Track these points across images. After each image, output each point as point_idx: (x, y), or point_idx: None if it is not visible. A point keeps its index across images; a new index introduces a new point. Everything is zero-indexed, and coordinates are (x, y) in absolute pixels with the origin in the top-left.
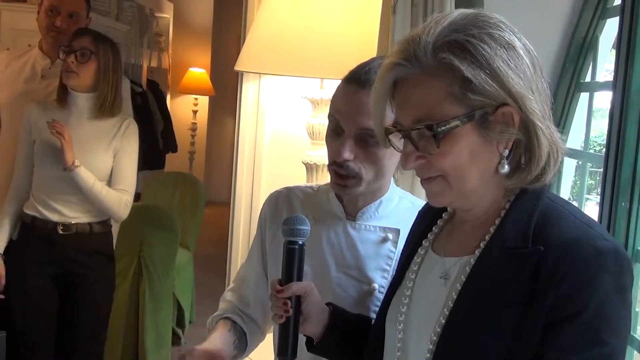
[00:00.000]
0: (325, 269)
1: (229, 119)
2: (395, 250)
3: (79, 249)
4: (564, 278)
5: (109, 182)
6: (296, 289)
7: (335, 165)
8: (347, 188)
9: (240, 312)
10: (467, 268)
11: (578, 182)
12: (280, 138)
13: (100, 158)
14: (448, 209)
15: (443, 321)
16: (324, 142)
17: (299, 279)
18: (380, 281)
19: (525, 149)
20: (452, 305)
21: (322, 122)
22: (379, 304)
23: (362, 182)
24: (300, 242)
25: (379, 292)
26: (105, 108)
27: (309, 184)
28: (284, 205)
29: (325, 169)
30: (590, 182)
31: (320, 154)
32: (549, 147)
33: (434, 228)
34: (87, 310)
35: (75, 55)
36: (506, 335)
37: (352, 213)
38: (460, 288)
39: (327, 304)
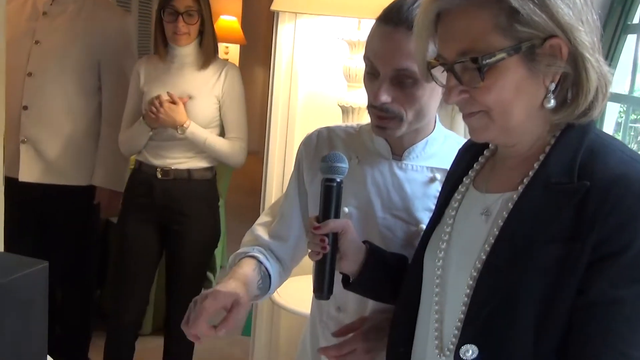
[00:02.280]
0: (370, 210)
1: (260, 68)
2: None
3: (177, 195)
4: (611, 214)
5: (221, 132)
6: (333, 226)
7: (375, 108)
8: (388, 130)
9: (268, 249)
10: (510, 204)
11: (621, 128)
12: (316, 82)
13: (206, 106)
14: (490, 145)
15: (484, 257)
16: (361, 85)
17: (337, 216)
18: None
19: (572, 82)
20: (493, 241)
21: (358, 65)
22: None
23: (403, 124)
24: (338, 180)
25: None
26: (208, 57)
27: (349, 124)
28: (325, 145)
29: (362, 111)
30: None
31: (357, 97)
32: (597, 81)
33: (475, 165)
34: (186, 255)
35: (183, 17)
36: (548, 271)
37: (398, 152)
38: (501, 224)
39: (364, 242)
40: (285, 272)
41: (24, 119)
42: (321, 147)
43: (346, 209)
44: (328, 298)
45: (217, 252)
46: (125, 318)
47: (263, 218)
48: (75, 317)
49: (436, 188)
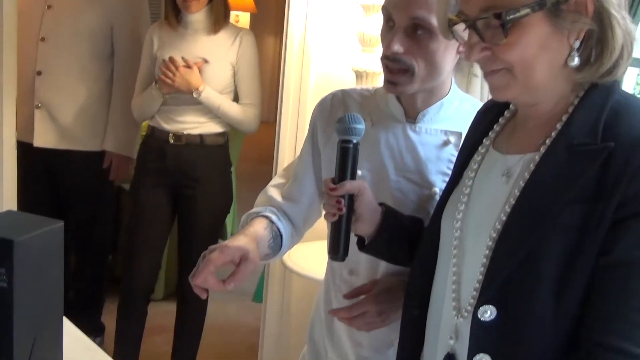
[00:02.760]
0: (384, 173)
1: (271, 37)
2: (456, 154)
3: (189, 161)
4: (635, 175)
5: (235, 99)
6: (349, 187)
7: (387, 60)
8: (400, 85)
9: (280, 210)
10: (531, 165)
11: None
12: (329, 48)
13: (220, 71)
14: (510, 106)
15: (504, 219)
16: (375, 48)
17: (353, 177)
18: (441, 185)
19: (597, 40)
20: (513, 202)
21: (373, 29)
22: None
23: (415, 79)
24: (355, 141)
25: (439, 195)
26: (219, 22)
27: (364, 86)
28: (340, 108)
29: (376, 76)
30: None
31: (372, 62)
32: (622, 39)
33: (495, 126)
34: (198, 221)
35: None
36: (570, 232)
37: (412, 115)
38: (522, 185)
39: (380, 204)
40: (298, 234)
41: (37, 84)
42: (336, 110)
43: (359, 172)
44: (343, 260)
45: (228, 219)
46: (137, 283)
47: (276, 180)
48: (89, 281)
49: (450, 151)
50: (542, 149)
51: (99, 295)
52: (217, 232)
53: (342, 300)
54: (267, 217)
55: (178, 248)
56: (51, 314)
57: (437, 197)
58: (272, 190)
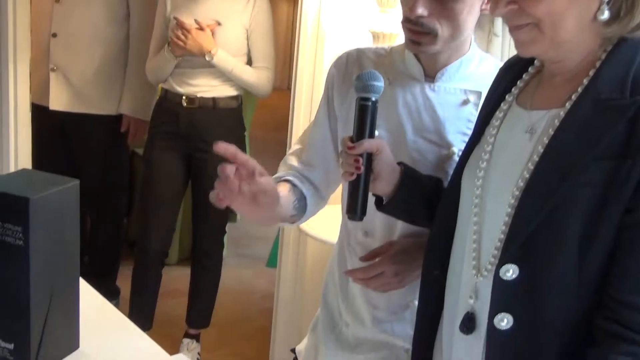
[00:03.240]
0: (401, 133)
1: (284, 3)
2: (476, 114)
3: (202, 124)
4: None
5: (249, 63)
6: (368, 146)
7: (409, 23)
8: (423, 45)
9: (302, 175)
10: (556, 121)
11: None
12: (346, 8)
13: (234, 34)
14: (535, 62)
15: (527, 176)
16: (393, 7)
17: (371, 136)
18: (460, 145)
19: None
20: (537, 159)
21: None
22: None
23: (437, 40)
24: (374, 99)
25: (458, 156)
26: None
27: (379, 45)
28: (354, 66)
29: (394, 37)
30: None
31: (389, 22)
32: None
33: (518, 82)
34: (211, 184)
35: None
36: (596, 189)
37: (430, 74)
38: (547, 142)
39: (399, 163)
40: (322, 198)
41: (52, 47)
42: (351, 68)
43: (376, 132)
44: (361, 219)
45: None
46: (151, 246)
47: (294, 147)
48: (104, 245)
49: (469, 111)
50: (568, 105)
51: (114, 260)
52: None
53: (356, 262)
54: (289, 181)
55: (192, 212)
56: (67, 273)
57: (456, 157)
58: (291, 158)
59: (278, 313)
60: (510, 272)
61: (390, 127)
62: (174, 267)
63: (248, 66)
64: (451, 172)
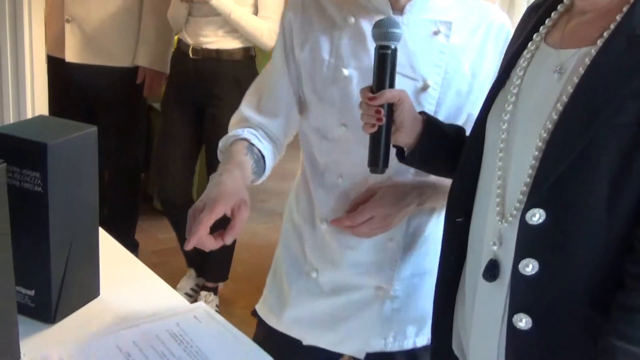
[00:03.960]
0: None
1: None
2: (447, 44)
3: (207, 76)
4: None
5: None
6: (389, 96)
7: None
8: None
9: (259, 128)
10: (587, 60)
11: None
12: None
13: None
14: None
15: (555, 117)
16: None
17: (391, 85)
18: (435, 78)
19: None
20: (566, 100)
21: None
22: (434, 102)
23: None
24: (393, 47)
25: (433, 89)
26: None
27: None
28: (312, 7)
29: None
30: None
31: None
32: None
33: (547, 21)
34: (217, 136)
35: None
36: (628, 129)
37: (398, 7)
38: (577, 81)
39: (420, 113)
40: (279, 150)
41: None
42: (308, 8)
43: (346, 72)
44: (383, 172)
45: None
46: (172, 199)
47: (249, 97)
48: (122, 198)
49: (440, 42)
50: (600, 42)
51: (133, 213)
52: None
53: (330, 205)
54: (246, 140)
55: (206, 168)
56: (87, 220)
57: (431, 90)
58: (246, 109)
59: None
60: (537, 216)
61: (360, 64)
62: None
63: (250, 14)
64: (427, 105)
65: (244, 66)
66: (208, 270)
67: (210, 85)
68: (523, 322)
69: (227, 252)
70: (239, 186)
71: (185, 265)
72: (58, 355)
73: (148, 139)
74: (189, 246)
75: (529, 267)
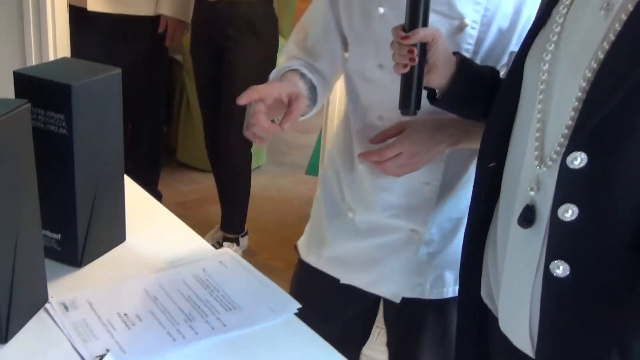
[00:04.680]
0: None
1: None
2: None
3: (221, 19)
4: None
5: None
6: (423, 35)
7: None
8: None
9: (309, 65)
10: None
11: None
12: None
13: None
14: None
15: (601, 57)
16: None
17: (425, 24)
18: (473, 16)
19: None
20: (613, 38)
21: None
22: (472, 42)
23: None
24: None
25: (472, 28)
26: None
27: None
28: None
29: None
30: None
31: None
32: None
33: None
34: (236, 81)
35: None
36: None
37: None
38: (625, 19)
39: (454, 53)
40: (328, 87)
41: None
42: None
43: (381, 10)
44: (415, 114)
45: None
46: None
47: (295, 35)
48: (146, 151)
49: None
50: None
51: (156, 165)
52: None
53: (366, 148)
54: (297, 70)
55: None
56: (112, 164)
57: (469, 30)
58: (293, 47)
59: None
60: (579, 160)
61: (395, 2)
62: (210, 173)
63: None
64: (465, 45)
65: (259, 8)
66: (225, 223)
67: (226, 27)
68: (560, 269)
69: (242, 203)
70: (295, 84)
71: (208, 218)
72: (85, 298)
73: (170, 93)
74: (250, 130)
75: (569, 212)
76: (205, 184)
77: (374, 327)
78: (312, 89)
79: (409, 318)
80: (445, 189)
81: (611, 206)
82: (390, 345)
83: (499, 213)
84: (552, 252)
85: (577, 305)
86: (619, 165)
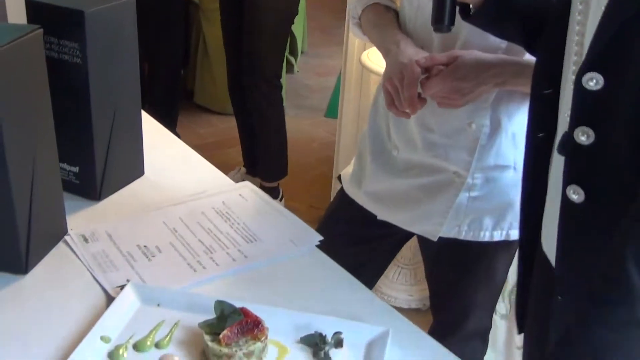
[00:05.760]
0: None
1: None
2: None
3: None
4: None
5: None
6: None
7: None
8: None
9: None
10: None
11: None
12: None
13: None
14: None
15: None
16: None
17: None
18: None
19: None
20: None
21: None
22: None
23: None
24: None
25: None
26: None
27: None
28: None
29: None
30: None
31: None
32: None
33: None
34: (260, 18)
35: None
36: None
37: None
38: None
39: None
40: None
41: None
42: None
43: None
44: (449, 30)
45: (297, 34)
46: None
47: None
48: (162, 93)
49: None
50: None
51: (173, 107)
52: (282, 37)
53: None
54: (378, 3)
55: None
56: (128, 95)
57: None
58: None
59: (339, 160)
60: (594, 81)
61: None
62: (231, 116)
63: None
64: None
65: None
66: (264, 170)
67: None
68: (576, 194)
69: (282, 147)
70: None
71: (227, 161)
72: (105, 230)
73: (187, 34)
74: (402, 109)
75: (584, 136)
76: (222, 127)
77: (395, 266)
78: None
79: (448, 256)
80: (493, 133)
81: (625, 130)
82: (431, 282)
83: (558, 136)
84: (569, 177)
85: (591, 232)
86: (633, 87)
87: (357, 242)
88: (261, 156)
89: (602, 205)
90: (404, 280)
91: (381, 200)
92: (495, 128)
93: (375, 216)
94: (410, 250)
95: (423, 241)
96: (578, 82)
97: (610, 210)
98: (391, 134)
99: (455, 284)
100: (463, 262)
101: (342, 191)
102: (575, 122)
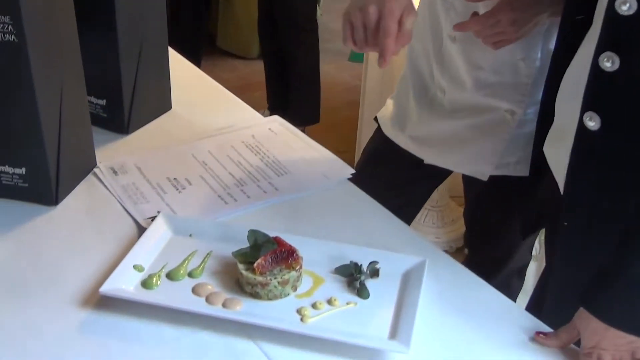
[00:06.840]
0: None
1: None
2: None
3: None
4: None
5: None
6: None
7: None
8: None
9: None
10: None
11: None
12: None
13: None
14: None
15: None
16: None
17: None
18: None
19: None
20: None
21: None
22: None
23: None
24: None
25: None
26: None
27: None
28: None
29: None
30: None
31: None
32: None
33: None
34: None
35: None
36: None
37: None
38: None
39: None
40: None
41: None
42: None
43: None
44: None
45: None
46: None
47: None
48: (185, 35)
49: None
50: None
51: (197, 50)
52: None
53: (454, 20)
54: None
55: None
56: (155, 27)
57: None
58: None
59: (365, 104)
60: (627, 5)
61: None
62: (255, 60)
63: None
64: None
65: None
66: (296, 114)
67: None
68: (592, 122)
69: (316, 92)
70: None
71: (251, 104)
72: (134, 162)
73: None
74: (386, 61)
75: (609, 62)
76: (245, 71)
77: (422, 208)
78: None
79: (495, 194)
80: (545, 64)
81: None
82: (473, 223)
83: None
84: (587, 102)
85: (606, 160)
86: None
87: (397, 184)
88: (292, 100)
89: (617, 135)
90: (431, 223)
91: (428, 143)
92: (547, 60)
93: (419, 159)
94: (437, 192)
95: (469, 181)
96: (610, 7)
97: (624, 140)
98: (435, 75)
99: (502, 222)
100: (511, 199)
101: (380, 133)
102: (602, 47)
